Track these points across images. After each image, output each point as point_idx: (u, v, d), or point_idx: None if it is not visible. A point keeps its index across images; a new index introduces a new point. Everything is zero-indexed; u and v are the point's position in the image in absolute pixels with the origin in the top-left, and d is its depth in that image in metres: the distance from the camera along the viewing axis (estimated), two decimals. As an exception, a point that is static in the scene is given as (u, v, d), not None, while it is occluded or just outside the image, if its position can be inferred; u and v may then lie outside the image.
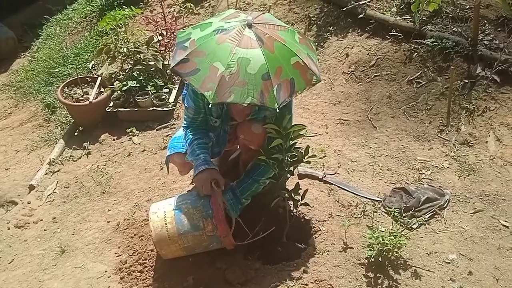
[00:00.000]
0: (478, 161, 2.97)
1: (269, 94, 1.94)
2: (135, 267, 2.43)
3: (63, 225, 2.87)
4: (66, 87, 3.87)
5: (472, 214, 2.62)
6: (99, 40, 4.91)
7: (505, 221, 2.55)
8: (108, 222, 2.81)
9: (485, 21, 3.63)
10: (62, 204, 3.07)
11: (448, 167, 2.95)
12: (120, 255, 2.53)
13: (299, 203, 2.43)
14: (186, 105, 2.43)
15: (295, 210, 2.61)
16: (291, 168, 2.34)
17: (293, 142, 2.24)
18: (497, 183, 2.80)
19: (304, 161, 2.30)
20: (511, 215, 2.58)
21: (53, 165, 3.45)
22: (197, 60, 2.00)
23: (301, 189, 2.39)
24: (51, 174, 3.38)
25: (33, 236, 2.84)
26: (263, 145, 2.33)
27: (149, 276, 2.39)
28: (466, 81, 3.39)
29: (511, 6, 3.45)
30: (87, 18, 5.39)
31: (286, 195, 2.38)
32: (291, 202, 2.50)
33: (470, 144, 3.10)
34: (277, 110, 1.97)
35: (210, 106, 2.32)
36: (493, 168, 2.90)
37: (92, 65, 4.58)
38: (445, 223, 2.57)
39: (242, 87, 1.92)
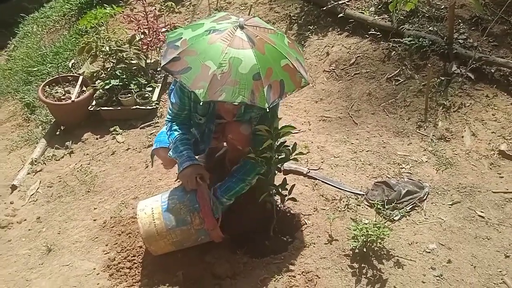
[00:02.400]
0: (455, 155, 3.09)
1: (260, 94, 1.98)
2: (124, 263, 2.44)
3: (48, 224, 2.85)
4: (47, 86, 3.82)
5: (450, 206, 2.73)
6: (78, 38, 4.87)
7: (481, 212, 2.66)
8: (95, 220, 2.81)
9: (460, 21, 3.77)
10: (46, 204, 3.05)
11: (426, 161, 3.06)
12: (108, 253, 2.54)
13: (286, 198, 2.48)
14: (172, 100, 2.45)
15: (281, 205, 2.66)
16: (279, 165, 2.39)
17: (282, 141, 2.29)
18: (473, 176, 2.92)
19: (292, 158, 2.35)
20: (487, 206, 2.70)
21: (35, 164, 3.41)
22: (188, 58, 2.04)
23: (288, 184, 2.45)
24: (34, 173, 3.34)
25: (18, 236, 2.81)
26: (249, 146, 2.37)
27: (138, 273, 2.40)
28: (443, 78, 3.51)
29: (484, 6, 3.61)
30: (65, 17, 5.32)
31: (274, 190, 2.44)
32: (277, 197, 2.55)
33: (447, 139, 3.22)
34: (267, 110, 2.01)
35: (199, 103, 2.36)
36: (469, 162, 3.02)
37: (72, 63, 4.54)
38: (424, 215, 2.67)
39: (233, 86, 1.95)
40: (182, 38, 2.12)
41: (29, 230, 2.84)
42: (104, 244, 2.60)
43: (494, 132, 3.15)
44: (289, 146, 2.35)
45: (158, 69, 4.11)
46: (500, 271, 2.33)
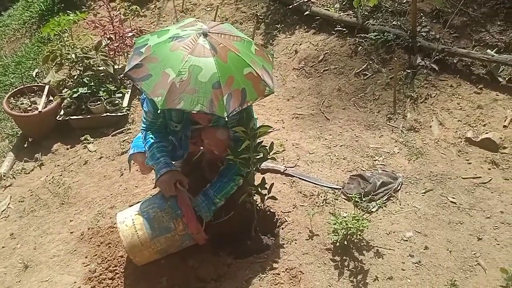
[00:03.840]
0: (425, 144, 3.19)
1: (219, 102, 1.96)
2: (106, 274, 2.40)
3: (22, 240, 2.77)
4: (12, 98, 3.70)
5: (423, 194, 2.82)
6: (41, 47, 4.75)
7: (453, 198, 2.76)
8: (72, 232, 2.75)
9: (422, 14, 3.89)
10: (19, 219, 2.96)
11: (398, 152, 3.15)
12: (88, 265, 2.49)
13: (265, 197, 2.50)
14: (145, 109, 2.43)
15: (261, 204, 2.68)
16: (258, 165, 2.41)
17: (259, 141, 2.31)
18: (443, 164, 3.02)
19: (269, 157, 2.37)
20: (458, 192, 2.80)
21: (4, 179, 3.30)
22: (150, 66, 2.02)
23: (267, 183, 2.47)
24: (3, 189, 3.23)
25: (-9, 254, 2.72)
26: (227, 151, 2.37)
27: (121, 283, 2.37)
28: (409, 71, 3.62)
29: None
30: (26, 25, 5.17)
31: (253, 190, 2.45)
32: (257, 197, 2.57)
33: (416, 129, 3.32)
34: (226, 119, 2.00)
35: (159, 111, 2.33)
36: (438, 150, 3.13)
37: (37, 73, 4.41)
38: (400, 204, 2.75)
39: (192, 95, 1.94)
40: (147, 44, 2.10)
41: (3, 247, 2.74)
42: (84, 256, 2.55)
43: (460, 120, 3.27)
44: (266, 146, 2.37)
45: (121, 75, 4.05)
46: (474, 254, 2.42)
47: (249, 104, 2.05)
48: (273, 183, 2.56)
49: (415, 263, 2.39)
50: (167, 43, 2.06)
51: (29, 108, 3.63)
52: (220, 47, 2.05)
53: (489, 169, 2.93)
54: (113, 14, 4.07)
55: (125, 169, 3.18)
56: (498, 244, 2.46)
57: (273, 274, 2.35)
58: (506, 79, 3.35)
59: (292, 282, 2.31)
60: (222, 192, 2.42)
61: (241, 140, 2.24)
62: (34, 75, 4.36)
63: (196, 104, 1.93)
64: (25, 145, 3.67)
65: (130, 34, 4.05)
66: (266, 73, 2.16)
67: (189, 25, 2.16)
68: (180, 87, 1.94)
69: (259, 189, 2.46)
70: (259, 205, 2.68)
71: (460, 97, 3.39)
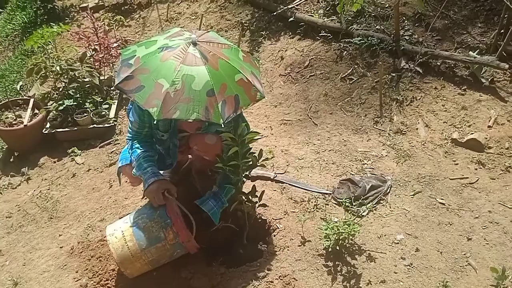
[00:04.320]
0: (412, 147, 3.23)
1: (214, 110, 1.98)
2: (98, 289, 2.37)
3: (11, 256, 2.72)
4: (-4, 112, 3.66)
5: (412, 196, 2.84)
6: (25, 59, 4.71)
7: (441, 199, 2.79)
8: (61, 247, 2.71)
9: (404, 18, 3.95)
10: (7, 235, 2.90)
11: (386, 155, 3.18)
12: (80, 279, 2.46)
13: (257, 204, 2.50)
14: (131, 119, 2.43)
15: (252, 212, 2.67)
16: (247, 173, 2.41)
17: (248, 148, 2.31)
18: (430, 165, 3.06)
19: (259, 164, 2.37)
20: (446, 193, 2.84)
21: (-10, 195, 3.25)
22: (141, 77, 2.02)
23: (257, 191, 2.47)
24: (-10, 205, 3.18)
25: (-21, 273, 2.67)
26: (219, 155, 2.37)
27: (114, 296, 2.35)
28: (393, 74, 3.66)
29: (425, 3, 3.80)
30: (8, 38, 5.12)
31: (244, 198, 2.45)
32: (247, 204, 2.56)
33: (403, 132, 3.35)
34: (222, 126, 2.03)
35: (155, 122, 2.34)
36: (425, 152, 3.17)
37: (21, 86, 4.36)
38: (390, 207, 2.77)
39: (187, 104, 1.95)
40: (135, 55, 2.10)
41: (-9, 265, 2.70)
42: (74, 271, 2.51)
43: (446, 122, 3.32)
44: (255, 152, 2.37)
45: (112, 88, 4.02)
46: (465, 254, 2.45)
47: (242, 109, 2.08)
48: (264, 190, 2.57)
49: (407, 265, 2.41)
50: (156, 54, 2.06)
51: (14, 122, 3.58)
52: (210, 55, 2.07)
53: (476, 169, 2.97)
54: (97, 25, 4.05)
55: (114, 181, 3.16)
56: (488, 244, 2.49)
57: (267, 282, 2.34)
58: (489, 80, 3.42)
59: (286, 289, 2.31)
60: (229, 195, 2.44)
61: (229, 147, 2.24)
62: (18, 88, 4.31)
63: (192, 113, 1.94)
64: (11, 160, 3.62)
65: (115, 44, 4.03)
66: (256, 78, 2.20)
67: (176, 35, 2.16)
68: (175, 96, 1.94)
69: (250, 196, 2.47)
70: (250, 212, 2.68)
71: (444, 99, 3.44)
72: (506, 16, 3.43)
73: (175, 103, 1.94)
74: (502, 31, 3.48)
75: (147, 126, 2.39)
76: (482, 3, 3.85)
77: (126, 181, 3.01)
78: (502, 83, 3.41)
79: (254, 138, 2.29)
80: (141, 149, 2.38)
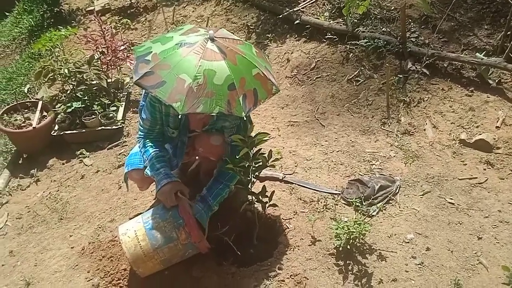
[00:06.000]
0: (420, 147, 3.23)
1: (236, 103, 2.02)
2: (110, 288, 2.38)
3: (22, 257, 2.73)
4: (5, 114, 3.67)
5: (421, 196, 2.85)
6: (32, 62, 4.73)
7: (451, 199, 2.80)
8: (72, 248, 2.72)
9: (410, 20, 3.97)
10: (17, 236, 2.92)
11: (394, 156, 3.19)
12: (91, 279, 2.46)
13: (267, 204, 2.51)
14: (143, 117, 2.44)
15: (262, 212, 2.68)
16: (257, 173, 2.42)
17: (258, 149, 2.33)
18: (438, 166, 3.06)
19: (268, 165, 2.39)
20: (455, 193, 2.84)
21: (0, 197, 3.25)
22: (162, 73, 2.04)
23: (267, 191, 2.48)
24: (0, 206, 3.19)
25: (-9, 273, 2.68)
26: (223, 156, 2.39)
27: (126, 296, 2.35)
28: (400, 76, 3.67)
29: (431, 5, 3.82)
30: (15, 41, 5.15)
31: (254, 198, 2.46)
32: (257, 205, 2.57)
33: (410, 133, 3.36)
34: (244, 118, 2.07)
35: (170, 117, 2.36)
36: (433, 153, 3.18)
37: (28, 89, 4.38)
38: (399, 207, 2.78)
39: (209, 98, 1.98)
40: (152, 52, 2.12)
41: (3, 265, 2.70)
42: (86, 271, 2.52)
43: (453, 122, 3.33)
44: (264, 153, 2.39)
45: (131, 84, 4.06)
46: (475, 253, 2.45)
47: (261, 103, 2.13)
48: (274, 191, 2.58)
49: (418, 264, 2.42)
50: (175, 50, 2.08)
51: (23, 124, 3.60)
52: (228, 50, 2.10)
53: (485, 169, 2.98)
54: (104, 28, 4.08)
55: (123, 182, 3.16)
56: (498, 243, 2.50)
57: (278, 281, 2.35)
58: (496, 81, 3.43)
59: (298, 288, 2.32)
60: (218, 198, 2.45)
61: (239, 148, 2.26)
62: (26, 91, 4.33)
63: (215, 107, 1.97)
64: (20, 162, 3.64)
65: (122, 47, 4.06)
66: (269, 73, 2.24)
67: (190, 31, 2.19)
68: (198, 91, 1.97)
69: (260, 196, 2.48)
70: (260, 212, 2.69)
71: (452, 100, 3.45)
72: (512, 17, 3.45)
73: (198, 97, 1.97)
74: (509, 33, 3.49)
75: (159, 124, 2.41)
76: (488, 5, 3.87)
77: (133, 184, 3.03)
78: (510, 84, 3.41)
79: (264, 139, 2.31)
80: (153, 149, 2.40)
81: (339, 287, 2.33)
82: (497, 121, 3.21)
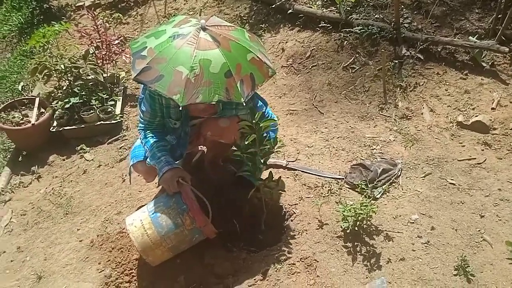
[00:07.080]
0: (418, 131, 3.29)
1: (234, 90, 2.05)
2: (122, 278, 2.40)
3: (31, 252, 2.73)
4: (3, 112, 3.64)
5: (423, 178, 2.91)
6: (24, 60, 4.68)
7: (452, 179, 2.87)
8: (81, 241, 2.73)
9: (402, 6, 4.02)
10: (24, 232, 2.91)
11: (394, 140, 3.24)
12: (103, 270, 2.48)
13: (274, 190, 2.54)
14: (142, 109, 2.45)
15: (270, 198, 2.71)
16: (265, 159, 2.45)
17: (265, 135, 2.35)
18: (438, 148, 3.13)
19: (275, 150, 2.41)
20: (455, 174, 2.91)
21: (3, 194, 3.23)
22: (159, 67, 2.06)
23: (274, 177, 2.52)
24: (3, 204, 3.17)
25: (1, 269, 2.66)
26: (235, 138, 2.41)
27: (139, 285, 2.37)
28: (395, 61, 3.73)
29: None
30: (6, 39, 5.08)
31: (261, 184, 2.49)
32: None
33: (408, 117, 3.42)
34: (244, 104, 2.08)
35: (171, 108, 2.37)
36: (432, 136, 3.24)
37: (22, 86, 4.34)
38: (402, 189, 2.84)
39: (208, 87, 2.01)
40: (147, 47, 2.14)
41: (12, 261, 2.70)
42: (97, 263, 2.54)
43: (450, 105, 3.40)
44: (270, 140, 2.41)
45: (127, 78, 4.04)
46: (479, 230, 2.53)
47: (259, 87, 2.16)
48: (280, 176, 2.62)
49: (424, 243, 2.48)
50: (170, 43, 2.10)
51: (21, 122, 3.58)
52: (221, 38, 2.12)
53: (483, 150, 3.05)
54: (97, 23, 4.04)
55: (126, 176, 3.17)
56: (500, 220, 2.57)
57: (289, 264, 2.39)
58: (489, 63, 3.50)
59: (308, 271, 2.36)
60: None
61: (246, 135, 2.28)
62: (20, 89, 4.29)
63: (214, 95, 2.00)
64: (20, 159, 3.61)
65: (116, 41, 4.04)
66: (264, 56, 2.27)
67: (182, 22, 2.21)
68: (195, 81, 2.00)
69: (267, 182, 2.51)
70: (267, 199, 2.72)
71: (447, 83, 3.52)
72: (503, 1, 3.52)
73: (196, 87, 2.00)
74: (500, 16, 3.56)
75: (158, 116, 2.43)
76: (478, -11, 3.94)
77: (138, 175, 3.04)
78: (503, 66, 3.49)
79: (270, 125, 2.33)
80: (154, 139, 2.41)
81: (349, 268, 2.38)
82: (492, 103, 3.29)
